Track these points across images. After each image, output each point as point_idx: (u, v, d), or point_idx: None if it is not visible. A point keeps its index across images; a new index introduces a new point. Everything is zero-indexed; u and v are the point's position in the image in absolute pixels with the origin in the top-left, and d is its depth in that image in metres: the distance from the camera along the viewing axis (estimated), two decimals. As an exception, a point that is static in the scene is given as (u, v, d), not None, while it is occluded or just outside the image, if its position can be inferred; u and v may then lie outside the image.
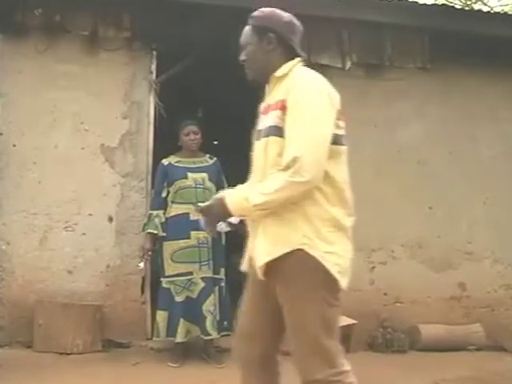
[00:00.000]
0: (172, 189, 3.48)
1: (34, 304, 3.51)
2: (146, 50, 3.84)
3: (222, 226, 3.29)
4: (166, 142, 3.68)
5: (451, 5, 3.67)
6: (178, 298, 3.39)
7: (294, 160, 1.65)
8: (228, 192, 1.84)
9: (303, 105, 1.69)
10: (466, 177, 4.16)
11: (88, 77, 3.77)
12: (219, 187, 3.55)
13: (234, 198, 1.78)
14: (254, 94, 4.38)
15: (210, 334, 3.36)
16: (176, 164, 3.53)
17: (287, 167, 1.68)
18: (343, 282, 1.74)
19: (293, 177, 1.65)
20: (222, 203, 1.81)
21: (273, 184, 1.69)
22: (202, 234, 3.40)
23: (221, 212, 1.85)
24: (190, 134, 3.55)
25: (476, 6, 4.30)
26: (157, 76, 3.88)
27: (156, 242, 3.49)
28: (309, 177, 1.65)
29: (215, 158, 3.63)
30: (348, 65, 3.96)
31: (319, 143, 1.68)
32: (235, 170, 4.00)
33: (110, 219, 3.78)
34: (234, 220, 3.30)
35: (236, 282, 4.34)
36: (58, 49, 3.74)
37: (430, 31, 3.90)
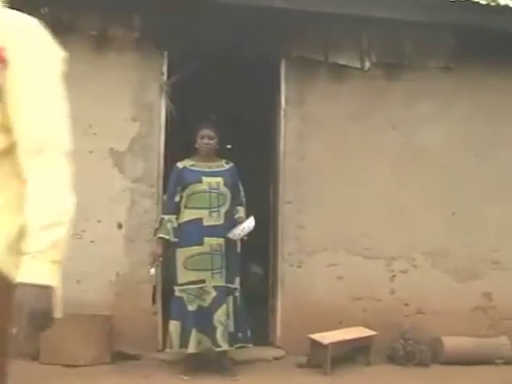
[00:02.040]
0: (185, 193, 3.57)
1: (41, 315, 3.63)
2: (157, 50, 3.94)
3: (235, 233, 3.51)
4: (178, 145, 3.78)
5: (476, 0, 3.72)
6: (191, 307, 3.44)
7: (62, 140, 1.27)
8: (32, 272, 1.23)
9: (52, 70, 1.31)
10: (492, 181, 4.21)
11: (96, 78, 3.86)
12: (234, 193, 3.66)
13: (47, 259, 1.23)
14: (270, 97, 4.32)
15: (220, 346, 3.38)
16: (191, 168, 3.62)
17: (49, 150, 1.25)
18: None
19: (67, 162, 1.25)
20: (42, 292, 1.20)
21: (63, 179, 1.26)
22: (215, 241, 3.49)
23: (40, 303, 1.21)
24: (205, 137, 3.65)
25: (502, 1, 4.37)
26: (168, 77, 3.97)
27: (167, 247, 3.55)
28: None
29: (231, 164, 3.71)
30: (367, 65, 4.06)
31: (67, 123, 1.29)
32: (250, 175, 4.19)
33: (120, 226, 3.86)
34: (244, 229, 3.49)
35: (253, 292, 4.50)
36: (65, 49, 3.86)
37: (453, 28, 3.96)
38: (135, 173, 3.91)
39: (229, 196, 3.60)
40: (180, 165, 3.64)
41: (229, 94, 5.17)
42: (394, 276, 4.12)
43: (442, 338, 3.86)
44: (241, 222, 3.56)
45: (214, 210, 3.53)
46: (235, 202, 3.67)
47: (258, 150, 5.35)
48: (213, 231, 3.49)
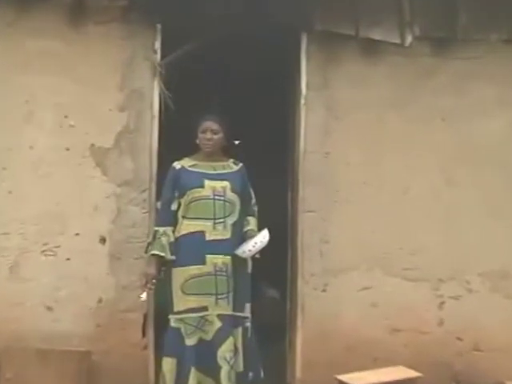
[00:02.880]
0: (184, 200, 3.54)
1: (1, 351, 3.58)
2: (148, 22, 3.89)
3: (245, 249, 3.45)
4: (175, 141, 3.78)
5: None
6: (190, 341, 3.43)
7: None
8: None
9: None
10: None
11: (73, 57, 3.83)
12: (244, 200, 3.64)
13: None
14: (287, 81, 4.37)
15: (225, 389, 3.41)
16: (191, 169, 3.60)
17: None
18: None
19: None
20: None
21: None
22: (220, 259, 3.47)
23: None
24: (207, 131, 3.61)
25: None
26: (162, 57, 3.93)
27: (162, 267, 3.55)
28: None
29: (240, 164, 3.70)
30: (409, 40, 4.01)
31: None
32: (263, 178, 4.16)
33: (103, 240, 3.84)
34: (256, 244, 3.45)
35: (268, 321, 4.47)
36: (32, 20, 3.82)
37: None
38: (122, 175, 3.89)
39: (237, 204, 3.57)
40: (177, 165, 3.63)
41: (237, 77, 5.18)
42: (442, 303, 4.07)
43: (506, 384, 3.82)
44: (252, 236, 3.55)
45: (219, 221, 3.51)
46: (245, 211, 3.66)
47: (272, 146, 5.43)
48: (217, 247, 3.49)
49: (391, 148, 4.14)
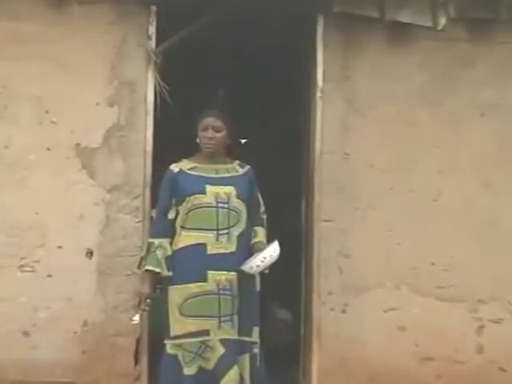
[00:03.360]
0: (183, 208, 3.51)
1: (-29, 383, 3.66)
2: (142, 3, 3.92)
3: (253, 265, 3.48)
4: (172, 140, 3.74)
5: None
6: (188, 370, 3.41)
7: None
8: None
9: None
10: None
11: (54, 42, 3.82)
12: (252, 208, 3.63)
13: None
14: (301, 71, 4.45)
15: (229, 426, 3.42)
16: (190, 172, 3.57)
17: None
18: None
19: None
20: None
21: None
22: (224, 276, 3.44)
23: None
24: (209, 129, 3.58)
25: None
26: (157, 43, 3.94)
27: (158, 285, 3.54)
28: None
29: (247, 166, 3.69)
30: (442, 22, 4.01)
31: None
32: (273, 182, 4.17)
33: (90, 254, 3.85)
34: (265, 259, 3.40)
35: (279, 347, 4.51)
36: (10, 4, 3.82)
37: None
38: (112, 179, 3.89)
39: (244, 212, 3.54)
40: (175, 168, 3.59)
41: (244, 68, 5.25)
42: (482, 327, 4.05)
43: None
44: (260, 250, 3.51)
45: (222, 232, 3.47)
46: (253, 220, 3.65)
47: (284, 146, 5.41)
48: (221, 262, 3.46)
49: (421, 148, 4.15)
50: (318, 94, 4.10)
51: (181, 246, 3.48)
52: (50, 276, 3.76)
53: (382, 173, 4.10)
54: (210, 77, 5.14)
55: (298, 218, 4.47)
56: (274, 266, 3.49)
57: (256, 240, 3.58)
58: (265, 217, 3.73)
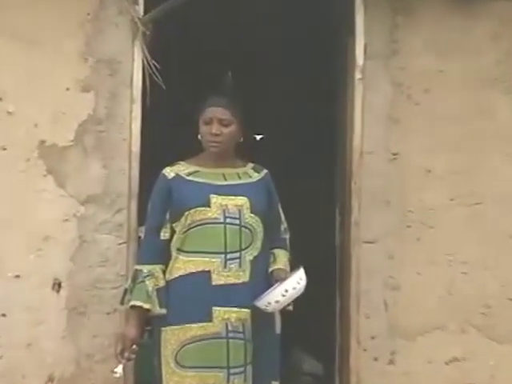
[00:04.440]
0: (181, 225, 3.49)
1: None
2: None
3: (271, 300, 3.41)
4: (166, 136, 3.72)
5: None
6: None
7: None
8: None
9: None
10: None
11: (9, 9, 3.86)
12: (270, 225, 3.63)
13: None
14: (334, 46, 4.43)
15: None
16: (190, 178, 3.54)
17: None
18: None
19: None
20: None
21: None
22: (234, 314, 3.41)
23: None
24: (214, 122, 3.54)
25: None
26: (146, 10, 4.00)
27: (147, 326, 3.53)
28: None
29: (264, 171, 3.70)
30: None
31: None
32: (298, 192, 4.15)
33: (57, 286, 3.84)
34: (287, 292, 3.39)
35: None
36: None
37: None
38: (87, 187, 3.93)
39: (260, 231, 3.52)
40: (170, 173, 3.56)
41: (258, 42, 5.29)
42: None
43: None
44: (281, 280, 3.47)
45: (232, 256, 3.44)
46: (271, 241, 3.64)
47: (312, 144, 5.36)
48: (230, 296, 3.43)
49: (496, 147, 4.18)
50: (358, 76, 4.13)
51: (177, 274, 3.43)
52: (3, 315, 3.77)
53: (442, 179, 4.14)
54: (216, 55, 5.22)
55: (330, 239, 4.53)
56: (299, 301, 3.42)
57: (276, 267, 3.54)
58: (287, 236, 3.69)
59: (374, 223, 4.10)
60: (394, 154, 4.11)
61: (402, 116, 4.13)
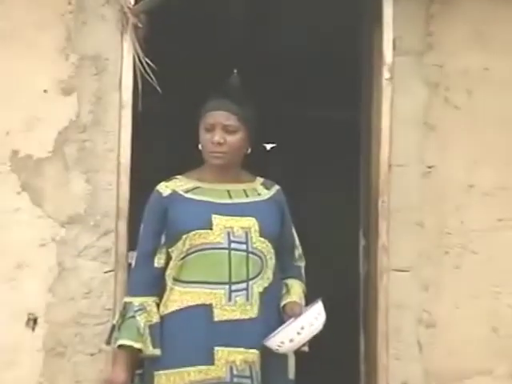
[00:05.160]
0: (178, 250, 3.48)
1: None
2: None
3: (284, 339, 3.42)
4: (161, 147, 3.74)
5: None
6: None
7: None
8: None
9: None
10: None
11: None
12: (282, 250, 3.64)
13: None
14: (350, 39, 4.45)
15: None
16: (189, 195, 3.53)
17: None
18: None
19: None
20: None
21: None
22: (241, 355, 3.40)
23: None
24: (216, 129, 3.54)
25: None
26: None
27: (138, 369, 3.54)
28: None
29: (276, 187, 3.71)
30: None
31: None
32: (315, 210, 4.15)
33: (32, 322, 3.84)
34: (303, 329, 3.42)
35: None
36: None
37: None
38: (68, 206, 3.94)
39: (270, 257, 3.53)
40: (165, 189, 3.57)
41: (269, 36, 5.35)
42: None
43: None
44: (296, 315, 3.47)
45: (238, 287, 3.44)
46: (284, 269, 3.67)
47: (331, 155, 5.34)
48: (236, 334, 3.43)
49: None
50: (386, 75, 4.14)
51: (173, 308, 3.44)
52: (-31, 358, 3.82)
53: (486, 197, 4.15)
54: (221, 52, 5.27)
55: (353, 267, 4.54)
56: (316, 341, 3.42)
57: (289, 300, 3.53)
58: (303, 264, 3.70)
59: (406, 248, 4.10)
60: (430, 167, 4.14)
61: (439, 122, 4.15)
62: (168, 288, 3.49)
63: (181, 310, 3.43)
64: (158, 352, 3.41)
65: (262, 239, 3.49)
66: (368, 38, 4.36)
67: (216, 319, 3.38)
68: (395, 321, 4.07)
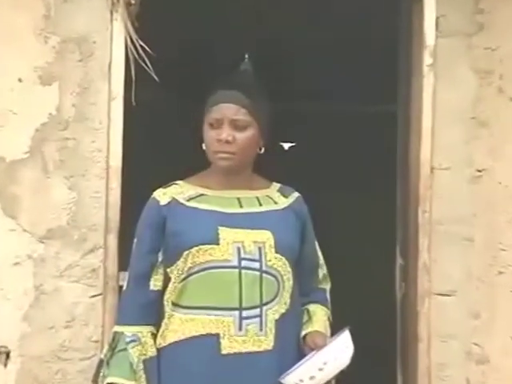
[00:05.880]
0: (178, 269, 3.48)
1: None
2: None
3: (305, 375, 3.43)
4: (157, 147, 3.74)
5: None
6: None
7: None
8: None
9: None
10: None
11: None
12: (304, 270, 3.65)
13: None
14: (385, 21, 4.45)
15: None
16: (191, 204, 3.54)
17: None
18: None
19: None
20: None
21: None
22: None
23: None
24: (224, 124, 3.54)
25: None
26: None
27: None
28: None
29: (295, 195, 3.72)
30: None
31: None
32: (341, 220, 4.14)
33: (5, 357, 3.88)
34: (326, 364, 3.46)
35: None
36: None
37: None
38: (48, 218, 3.98)
39: (288, 278, 3.53)
40: (163, 196, 3.59)
41: (285, 16, 5.32)
42: None
43: None
44: (319, 347, 3.47)
45: (250, 313, 3.45)
46: (305, 292, 3.69)
47: (360, 156, 5.36)
48: (247, 370, 3.45)
49: None
50: (428, 61, 4.17)
51: (173, 339, 3.44)
52: None
53: None
54: (231, 37, 5.27)
55: (388, 290, 4.57)
56: (343, 378, 3.44)
57: (311, 329, 3.53)
58: (328, 287, 3.72)
59: (452, 268, 4.12)
60: (480, 171, 4.18)
61: (492, 117, 4.18)
62: (166, 315, 3.48)
63: (182, 341, 3.43)
64: (153, 391, 3.47)
65: (279, 256, 3.48)
66: (406, 18, 4.37)
67: (224, 352, 3.38)
68: (439, 355, 4.09)
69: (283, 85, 5.78)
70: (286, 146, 6.27)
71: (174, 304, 3.47)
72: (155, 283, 3.49)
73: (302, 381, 3.36)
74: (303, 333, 3.52)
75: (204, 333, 3.40)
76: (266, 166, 3.68)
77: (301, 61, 5.94)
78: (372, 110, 5.47)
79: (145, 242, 3.55)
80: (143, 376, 3.41)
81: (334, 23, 5.60)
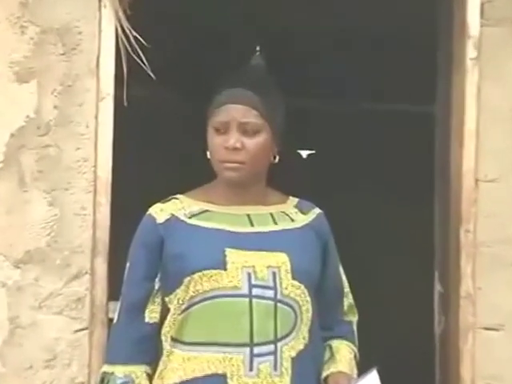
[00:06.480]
0: (179, 298, 3.49)
1: None
2: None
3: None
4: (153, 156, 3.73)
5: None
6: None
7: None
8: None
9: None
10: None
11: None
12: (326, 298, 3.66)
13: None
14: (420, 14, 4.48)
15: None
16: (193, 222, 3.55)
17: None
18: None
19: None
20: None
21: None
22: None
23: None
24: (231, 128, 3.53)
25: None
26: None
27: None
28: None
29: (316, 211, 3.74)
30: None
31: None
32: (364, 237, 4.12)
33: None
34: None
35: None
36: None
37: None
38: (25, 238, 4.02)
39: (307, 309, 3.54)
40: (161, 213, 3.61)
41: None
42: None
43: None
44: None
45: (262, 350, 3.45)
46: (327, 326, 3.71)
47: (392, 166, 5.36)
48: None
49: None
50: (471, 53, 4.22)
51: (174, 380, 3.43)
52: None
53: None
54: (238, 27, 5.23)
55: (425, 323, 4.59)
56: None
57: (333, 369, 3.54)
58: (355, 319, 3.72)
59: (500, 298, 4.17)
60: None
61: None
62: (165, 352, 3.48)
63: (183, 382, 3.43)
64: None
65: (296, 283, 3.47)
66: (447, 4, 4.38)
67: (232, 392, 3.42)
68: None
69: (306, 82, 5.80)
70: (305, 153, 6.26)
71: (174, 339, 3.47)
72: (151, 315, 3.50)
73: None
74: (324, 374, 3.54)
75: (209, 373, 3.40)
76: (282, 178, 3.69)
77: (327, 57, 5.96)
78: (407, 110, 5.46)
79: (139, 267, 3.55)
80: (138, 428, 3.44)
81: (363, 14, 5.64)
